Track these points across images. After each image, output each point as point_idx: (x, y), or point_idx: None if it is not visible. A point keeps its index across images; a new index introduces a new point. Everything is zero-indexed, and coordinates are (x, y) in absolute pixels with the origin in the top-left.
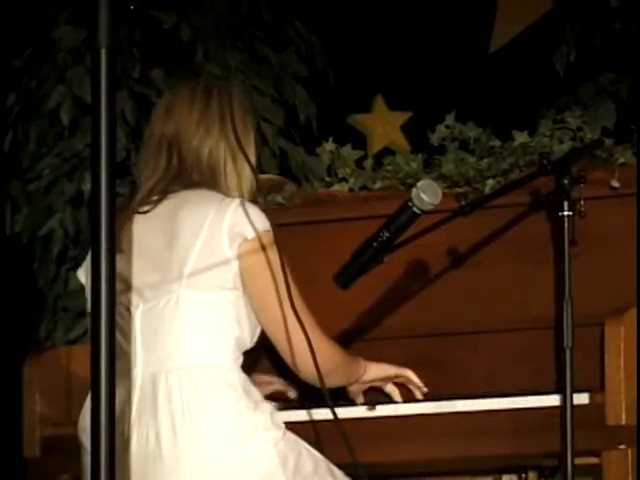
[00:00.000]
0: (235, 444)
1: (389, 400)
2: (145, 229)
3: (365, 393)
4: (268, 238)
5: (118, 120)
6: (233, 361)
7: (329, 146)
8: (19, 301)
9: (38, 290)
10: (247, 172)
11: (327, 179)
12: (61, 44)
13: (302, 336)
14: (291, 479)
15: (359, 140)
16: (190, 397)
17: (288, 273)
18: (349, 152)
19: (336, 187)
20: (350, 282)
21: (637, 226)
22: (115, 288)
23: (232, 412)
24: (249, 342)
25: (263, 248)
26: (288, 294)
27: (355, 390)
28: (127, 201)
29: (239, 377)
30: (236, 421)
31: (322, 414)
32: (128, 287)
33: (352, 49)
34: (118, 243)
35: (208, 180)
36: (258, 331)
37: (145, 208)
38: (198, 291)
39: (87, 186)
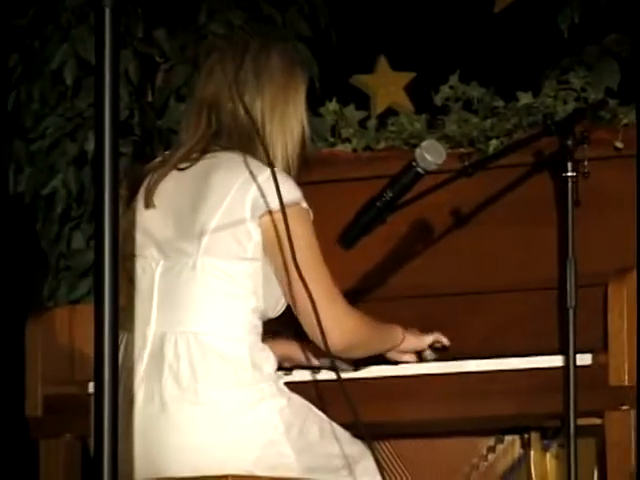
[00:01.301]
0: (239, 412)
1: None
2: (178, 186)
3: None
4: (294, 211)
5: (121, 79)
6: (246, 332)
7: (332, 106)
8: (22, 261)
9: (41, 250)
10: (290, 130)
11: (330, 139)
12: (65, 3)
13: (324, 315)
14: (296, 445)
15: (362, 100)
16: (197, 363)
17: (316, 248)
18: (352, 112)
19: (339, 147)
20: (353, 242)
21: (637, 189)
22: (118, 248)
23: (237, 381)
24: (271, 312)
25: (287, 221)
26: (311, 268)
27: (393, 356)
28: (167, 157)
29: (249, 348)
30: (241, 389)
31: (325, 374)
32: (152, 242)
33: (355, 9)
34: (151, 198)
35: (245, 142)
36: (283, 301)
37: (183, 165)
38: (216, 259)
39: (90, 146)
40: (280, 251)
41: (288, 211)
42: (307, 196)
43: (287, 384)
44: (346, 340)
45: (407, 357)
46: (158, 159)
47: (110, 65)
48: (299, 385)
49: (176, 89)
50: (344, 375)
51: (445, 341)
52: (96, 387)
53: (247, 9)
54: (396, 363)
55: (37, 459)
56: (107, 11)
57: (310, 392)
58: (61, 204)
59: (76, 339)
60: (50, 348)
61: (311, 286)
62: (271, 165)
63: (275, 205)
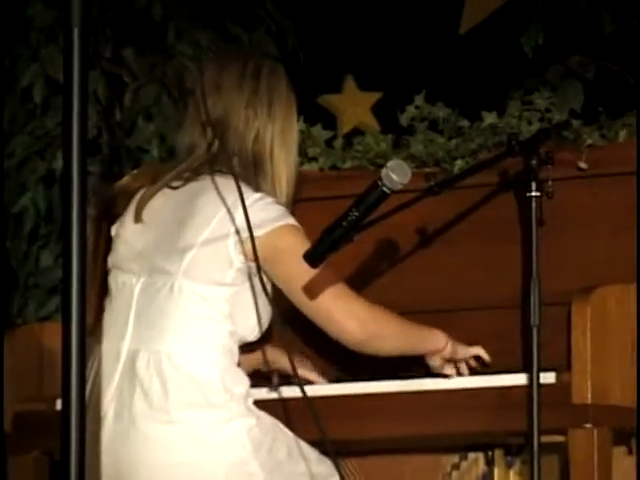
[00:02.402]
0: (208, 431)
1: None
2: (167, 204)
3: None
4: (285, 228)
5: (90, 99)
6: (220, 355)
7: (299, 125)
8: None
9: (10, 267)
10: (292, 155)
11: (298, 159)
12: (34, 23)
13: (334, 311)
14: (264, 464)
15: (329, 120)
16: (169, 383)
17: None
18: (319, 132)
19: (306, 166)
20: (320, 260)
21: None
22: (86, 266)
23: (207, 401)
24: (249, 335)
25: (279, 241)
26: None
27: (436, 365)
28: (160, 172)
29: (221, 370)
30: (211, 410)
31: (292, 391)
32: (135, 257)
33: (322, 29)
34: (141, 213)
35: (247, 167)
36: (266, 323)
37: (176, 183)
38: (194, 282)
39: (59, 164)
40: (276, 271)
41: (279, 231)
42: None
43: (256, 402)
44: (366, 329)
45: (448, 369)
46: (126, 177)
47: (78, 84)
48: (268, 403)
49: (144, 108)
50: (312, 393)
51: (486, 356)
52: (64, 404)
53: (215, 29)
54: (437, 375)
55: (5, 475)
56: (76, 31)
57: (278, 410)
58: (30, 222)
59: (44, 356)
60: (19, 364)
61: (317, 290)
62: (287, 183)
63: (261, 230)
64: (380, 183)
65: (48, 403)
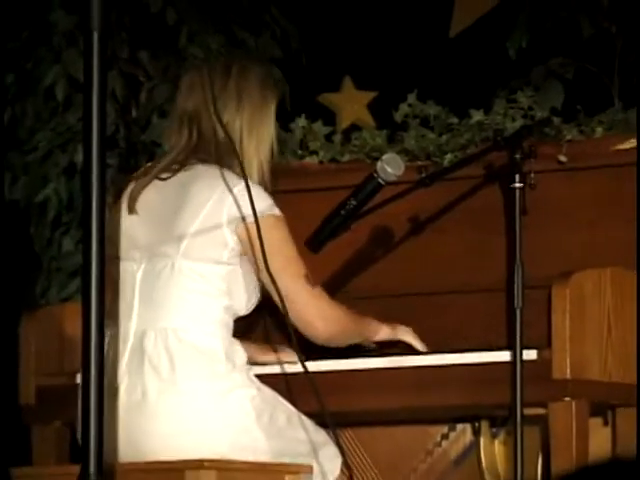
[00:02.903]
0: (214, 400)
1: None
2: (159, 195)
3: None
4: (267, 218)
5: (108, 97)
6: (219, 328)
7: (301, 122)
8: (17, 262)
9: (34, 252)
10: (265, 144)
11: (299, 152)
12: (56, 28)
13: (305, 308)
14: (266, 431)
15: (329, 117)
16: (175, 356)
17: (292, 249)
18: (320, 128)
19: (308, 159)
20: (320, 247)
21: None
22: (104, 250)
23: (211, 372)
24: (243, 309)
25: (261, 229)
26: (287, 267)
27: (367, 345)
28: (149, 167)
29: (222, 342)
30: (215, 379)
31: (294, 367)
32: (135, 246)
33: (323, 33)
34: (134, 205)
35: (223, 156)
36: (255, 299)
37: (164, 175)
38: (193, 262)
39: (79, 157)
40: (258, 255)
41: (261, 220)
42: (278, 204)
43: (256, 377)
44: (330, 329)
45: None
46: (141, 170)
47: (98, 84)
48: (267, 378)
49: (159, 106)
50: (311, 368)
51: (417, 344)
52: (83, 377)
53: (224, 33)
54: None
55: (30, 444)
56: (95, 35)
57: (278, 385)
58: (53, 211)
59: (66, 334)
60: (42, 342)
61: (289, 283)
62: (245, 178)
63: (249, 215)
64: (376, 175)
65: (69, 377)
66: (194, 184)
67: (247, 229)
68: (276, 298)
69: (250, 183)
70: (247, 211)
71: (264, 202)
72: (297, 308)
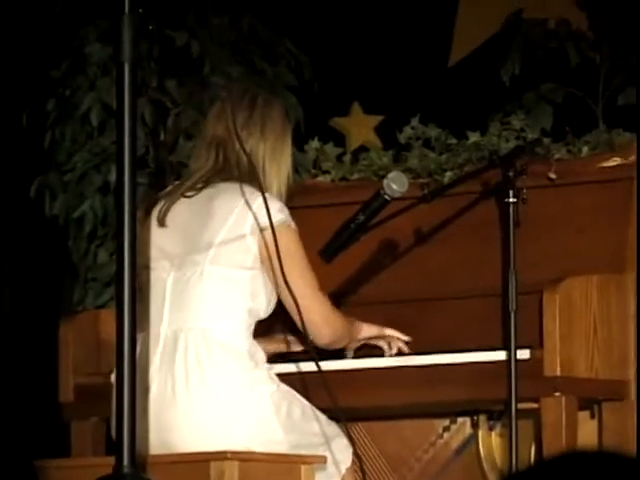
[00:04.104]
0: (238, 395)
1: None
2: (187, 210)
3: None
4: (283, 229)
5: (138, 122)
6: (244, 328)
7: (314, 144)
8: (56, 273)
9: (72, 263)
10: (283, 169)
11: (313, 171)
12: (92, 59)
13: (313, 315)
14: (284, 424)
15: (339, 139)
16: (203, 354)
17: (305, 259)
18: (331, 149)
19: (320, 178)
20: (333, 257)
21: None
22: (136, 262)
23: (236, 369)
24: (263, 312)
25: (277, 239)
26: (298, 276)
27: (350, 347)
28: (177, 185)
29: (246, 341)
30: (239, 376)
31: (309, 366)
32: (165, 256)
33: (333, 63)
34: (164, 219)
35: (246, 176)
36: (273, 304)
37: (190, 193)
38: (221, 267)
39: (113, 177)
40: (273, 263)
41: (277, 229)
42: (294, 218)
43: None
44: (334, 335)
45: (352, 354)
46: (169, 188)
47: (129, 110)
48: (284, 376)
49: (184, 129)
50: (324, 367)
51: (401, 336)
52: (117, 376)
53: (243, 63)
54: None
55: (69, 438)
56: (126, 65)
57: (294, 382)
58: (89, 225)
59: (101, 337)
60: (79, 345)
61: (300, 291)
62: (263, 193)
63: (268, 226)
64: (382, 192)
65: (104, 377)
66: (218, 198)
67: (265, 239)
68: (288, 304)
69: (268, 197)
70: (266, 222)
71: (282, 214)
72: (309, 314)
